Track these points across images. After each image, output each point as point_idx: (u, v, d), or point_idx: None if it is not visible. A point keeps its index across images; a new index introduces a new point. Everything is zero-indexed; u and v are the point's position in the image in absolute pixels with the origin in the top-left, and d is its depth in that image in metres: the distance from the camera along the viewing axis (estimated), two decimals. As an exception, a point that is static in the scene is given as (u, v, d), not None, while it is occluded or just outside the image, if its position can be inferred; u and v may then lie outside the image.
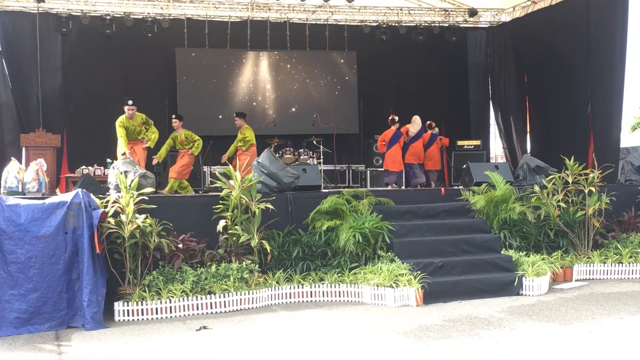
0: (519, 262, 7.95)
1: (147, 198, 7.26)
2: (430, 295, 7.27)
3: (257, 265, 7.60)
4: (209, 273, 7.22)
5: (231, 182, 7.87)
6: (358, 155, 14.50)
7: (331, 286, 7.60)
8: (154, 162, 10.46)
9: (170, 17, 13.53)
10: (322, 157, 12.95)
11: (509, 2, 14.64)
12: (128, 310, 6.82)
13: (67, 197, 6.79)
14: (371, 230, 7.85)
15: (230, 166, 8.17)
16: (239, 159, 10.92)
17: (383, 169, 12.55)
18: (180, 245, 7.35)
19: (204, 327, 6.37)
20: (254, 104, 14.32)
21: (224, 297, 7.12)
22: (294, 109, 14.47)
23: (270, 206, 7.82)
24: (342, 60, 14.85)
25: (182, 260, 7.29)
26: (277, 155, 11.36)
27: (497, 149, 16.43)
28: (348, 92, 14.81)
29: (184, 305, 6.96)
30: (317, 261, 8.01)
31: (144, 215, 7.02)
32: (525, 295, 7.62)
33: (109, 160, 10.26)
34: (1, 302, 6.31)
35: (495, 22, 15.60)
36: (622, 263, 8.71)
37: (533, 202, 8.90)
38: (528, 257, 8.09)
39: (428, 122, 12.94)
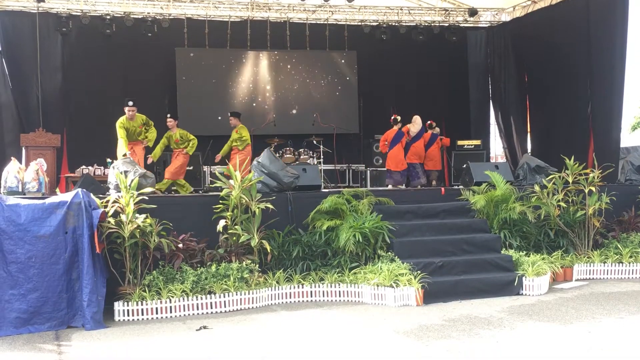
0: (519, 261, 7.95)
1: (147, 198, 7.26)
2: (431, 295, 7.27)
3: (257, 265, 7.60)
4: (209, 273, 7.22)
5: (231, 182, 7.87)
6: (358, 155, 14.50)
7: (331, 286, 7.60)
8: (149, 161, 10.46)
9: (170, 17, 13.53)
10: (322, 156, 12.94)
11: (509, 1, 14.63)
12: (128, 310, 6.82)
13: (67, 197, 6.79)
14: (371, 230, 7.85)
15: (231, 166, 8.14)
16: (234, 158, 10.96)
17: (385, 169, 12.55)
18: (180, 245, 7.35)
19: (204, 327, 6.37)
20: (254, 104, 14.32)
21: (224, 297, 7.12)
22: (294, 111, 14.45)
23: (270, 206, 7.82)
24: (342, 60, 14.85)
25: (182, 260, 7.29)
26: (277, 155, 11.36)
27: (497, 148, 16.44)
28: (348, 91, 14.80)
29: (184, 305, 6.96)
30: (317, 261, 8.01)
31: (144, 215, 7.02)
32: (526, 295, 7.62)
33: (109, 160, 10.25)
34: (1, 302, 6.31)
35: (495, 22, 15.60)
36: (622, 263, 8.70)
37: (533, 202, 8.89)
38: (528, 256, 8.09)
39: (429, 122, 12.94)
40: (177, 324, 6.60)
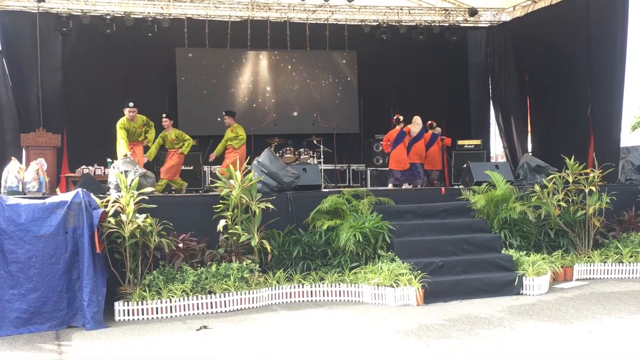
0: (520, 261, 7.95)
1: (147, 198, 7.26)
2: (431, 295, 7.27)
3: (258, 265, 7.60)
4: (209, 273, 7.22)
5: (231, 181, 7.87)
6: (358, 154, 14.50)
7: (331, 286, 7.60)
8: (144, 160, 10.45)
9: (171, 17, 13.52)
10: (322, 156, 12.95)
11: (509, 1, 14.62)
12: (128, 310, 6.83)
13: (67, 196, 6.79)
14: (371, 229, 7.85)
15: (231, 166, 8.14)
16: (229, 157, 10.99)
17: (385, 169, 12.53)
18: (181, 245, 7.35)
19: (204, 327, 6.37)
20: (254, 104, 14.31)
21: (224, 296, 7.12)
22: (295, 113, 14.43)
23: (271, 206, 7.82)
24: (342, 60, 14.85)
25: (182, 260, 7.29)
26: (278, 154, 11.36)
27: (497, 148, 16.43)
28: (348, 91, 14.80)
29: (184, 305, 6.96)
30: (317, 261, 8.01)
31: (144, 215, 7.02)
32: (526, 294, 7.62)
33: (109, 159, 10.24)
34: (2, 301, 6.31)
35: (495, 22, 15.59)
36: (622, 262, 8.70)
37: (533, 202, 8.89)
38: (528, 256, 8.09)
39: (429, 122, 12.95)
40: (178, 323, 6.60)
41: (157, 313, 6.87)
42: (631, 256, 8.74)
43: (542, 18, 13.72)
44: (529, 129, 14.72)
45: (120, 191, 7.24)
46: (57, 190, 8.24)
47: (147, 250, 7.11)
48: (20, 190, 7.74)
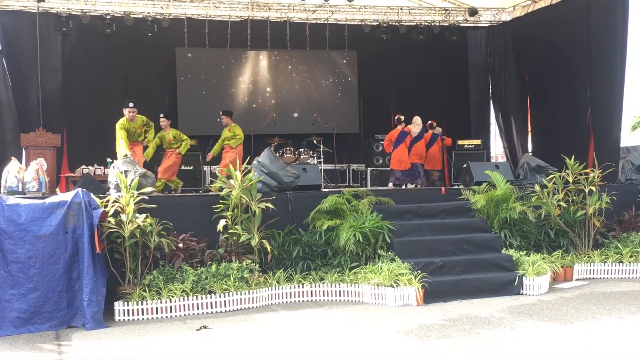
0: (520, 261, 7.95)
1: (147, 197, 7.26)
2: (431, 295, 7.27)
3: (258, 265, 7.59)
4: (209, 273, 7.22)
5: (231, 181, 7.87)
6: (358, 154, 14.50)
7: (331, 286, 7.59)
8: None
9: (171, 17, 13.53)
10: (322, 156, 12.95)
11: (510, 1, 14.62)
12: (128, 310, 6.82)
13: (67, 196, 6.79)
14: (371, 229, 7.85)
15: (231, 165, 8.14)
16: (227, 156, 11.02)
17: (385, 169, 12.52)
18: (181, 245, 7.35)
19: (204, 327, 6.37)
20: (254, 104, 14.31)
21: (224, 296, 7.11)
22: (295, 114, 14.43)
23: (271, 205, 7.82)
24: (342, 60, 14.85)
25: (182, 260, 7.29)
26: (278, 154, 11.37)
27: (497, 148, 16.43)
28: (348, 91, 14.80)
29: (184, 305, 6.96)
30: (317, 261, 8.01)
31: (144, 215, 7.02)
32: (526, 294, 7.61)
33: (109, 159, 10.25)
34: (1, 301, 6.31)
35: (495, 22, 15.59)
36: (622, 262, 8.70)
37: (533, 202, 8.89)
38: (528, 256, 8.09)
39: (429, 121, 12.96)
40: (178, 323, 6.60)
41: (157, 313, 6.87)
42: (631, 256, 8.74)
43: (542, 18, 13.72)
44: (529, 129, 14.72)
45: (120, 191, 7.23)
46: (57, 190, 8.23)
47: (147, 250, 7.10)
48: (20, 190, 7.74)
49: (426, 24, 14.86)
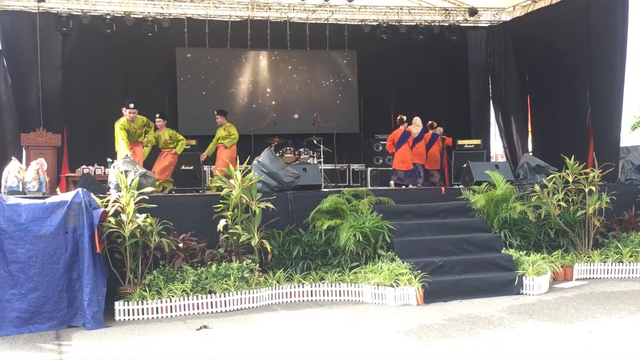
0: (520, 261, 7.95)
1: (147, 197, 7.26)
2: (431, 295, 7.27)
3: (258, 265, 7.60)
4: (210, 272, 7.22)
5: (231, 181, 7.87)
6: (358, 154, 14.50)
7: (331, 285, 7.60)
8: None
9: (171, 17, 13.52)
10: (322, 156, 12.95)
11: (510, 1, 14.62)
12: (128, 310, 6.83)
13: (67, 196, 6.79)
14: (371, 229, 7.85)
15: (231, 165, 8.14)
16: (220, 156, 11.02)
17: (385, 169, 12.50)
18: (181, 245, 7.35)
19: (205, 327, 6.38)
20: (254, 104, 14.31)
21: (225, 296, 7.12)
22: (296, 115, 14.42)
23: (271, 205, 7.82)
24: (342, 60, 14.85)
25: (182, 260, 7.29)
26: (278, 154, 11.37)
27: (497, 148, 16.43)
28: (348, 91, 14.81)
29: (184, 305, 6.96)
30: (317, 260, 8.01)
31: (144, 215, 7.02)
32: (526, 294, 7.62)
33: (109, 159, 10.24)
34: (2, 301, 6.31)
35: (495, 22, 15.59)
36: (622, 262, 8.71)
37: (533, 202, 8.90)
38: (528, 256, 8.09)
39: (430, 122, 12.96)
40: (178, 323, 6.61)
41: (157, 313, 6.87)
42: (631, 256, 8.74)
43: (542, 18, 13.72)
44: (529, 129, 14.72)
45: (120, 191, 7.24)
46: (57, 190, 8.24)
47: (147, 250, 7.11)
48: (21, 190, 7.74)
49: (426, 23, 14.86)
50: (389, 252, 7.83)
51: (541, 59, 13.71)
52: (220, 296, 7.10)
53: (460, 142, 14.01)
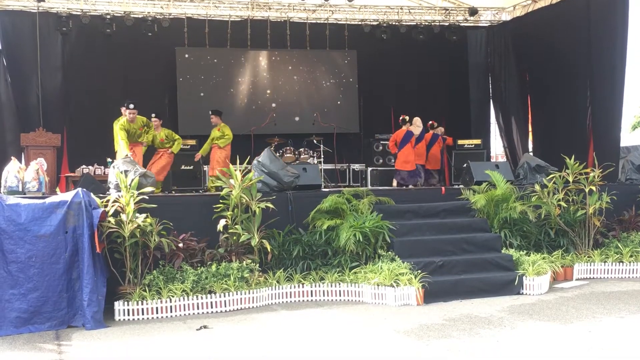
0: (520, 261, 7.95)
1: (147, 197, 7.26)
2: (431, 295, 7.27)
3: (258, 265, 7.60)
4: (210, 272, 7.22)
5: (231, 181, 7.87)
6: (358, 154, 14.49)
7: (331, 285, 7.59)
8: None
9: (171, 17, 13.51)
10: (322, 156, 12.95)
11: (510, 1, 14.61)
12: (128, 310, 6.82)
13: (67, 196, 6.79)
14: (371, 229, 7.85)
15: (231, 165, 8.14)
16: (214, 156, 11.02)
17: (385, 169, 12.49)
18: (181, 245, 7.35)
19: (205, 327, 6.37)
20: (254, 105, 14.30)
21: (225, 296, 7.11)
22: (296, 117, 14.40)
23: (271, 205, 7.82)
24: (342, 60, 14.83)
25: (182, 260, 7.29)
26: (278, 154, 11.36)
27: (497, 148, 16.42)
28: (348, 91, 14.80)
29: (184, 305, 6.96)
30: (317, 260, 8.01)
31: (144, 215, 7.02)
32: (526, 294, 7.61)
33: (109, 159, 10.24)
34: (1, 301, 6.31)
35: (495, 21, 15.58)
36: (622, 262, 8.70)
37: (533, 201, 8.89)
38: (528, 256, 8.09)
39: (430, 122, 12.94)
40: (178, 323, 6.60)
41: (157, 313, 6.87)
42: (631, 256, 8.74)
43: (542, 18, 13.71)
44: (529, 129, 14.71)
45: (120, 191, 7.24)
46: (57, 190, 8.24)
47: (147, 250, 7.10)
48: (20, 190, 7.74)
49: (426, 23, 14.85)
50: (389, 252, 7.83)
51: (541, 59, 13.70)
52: (220, 296, 7.10)
53: (460, 142, 14.00)
